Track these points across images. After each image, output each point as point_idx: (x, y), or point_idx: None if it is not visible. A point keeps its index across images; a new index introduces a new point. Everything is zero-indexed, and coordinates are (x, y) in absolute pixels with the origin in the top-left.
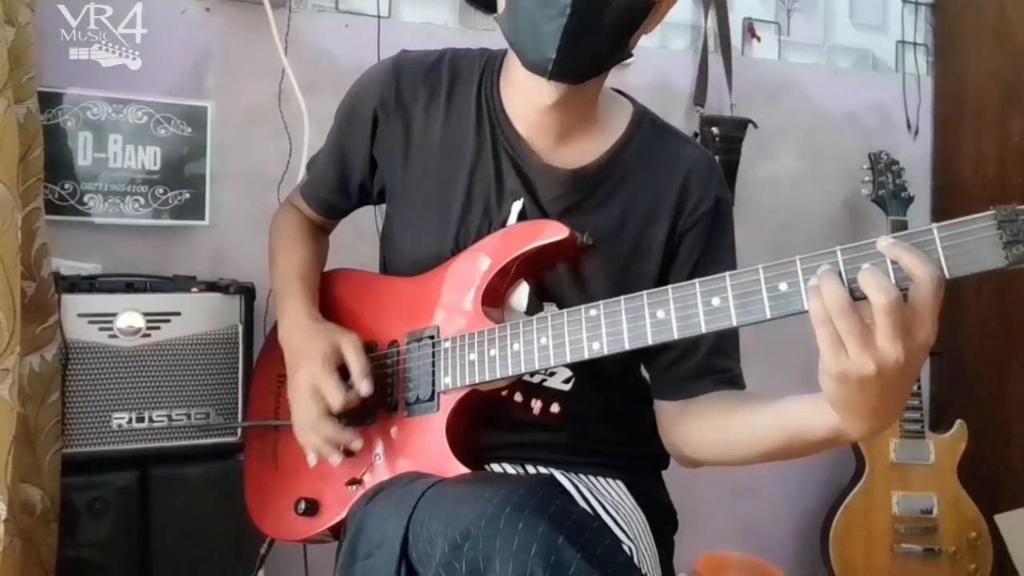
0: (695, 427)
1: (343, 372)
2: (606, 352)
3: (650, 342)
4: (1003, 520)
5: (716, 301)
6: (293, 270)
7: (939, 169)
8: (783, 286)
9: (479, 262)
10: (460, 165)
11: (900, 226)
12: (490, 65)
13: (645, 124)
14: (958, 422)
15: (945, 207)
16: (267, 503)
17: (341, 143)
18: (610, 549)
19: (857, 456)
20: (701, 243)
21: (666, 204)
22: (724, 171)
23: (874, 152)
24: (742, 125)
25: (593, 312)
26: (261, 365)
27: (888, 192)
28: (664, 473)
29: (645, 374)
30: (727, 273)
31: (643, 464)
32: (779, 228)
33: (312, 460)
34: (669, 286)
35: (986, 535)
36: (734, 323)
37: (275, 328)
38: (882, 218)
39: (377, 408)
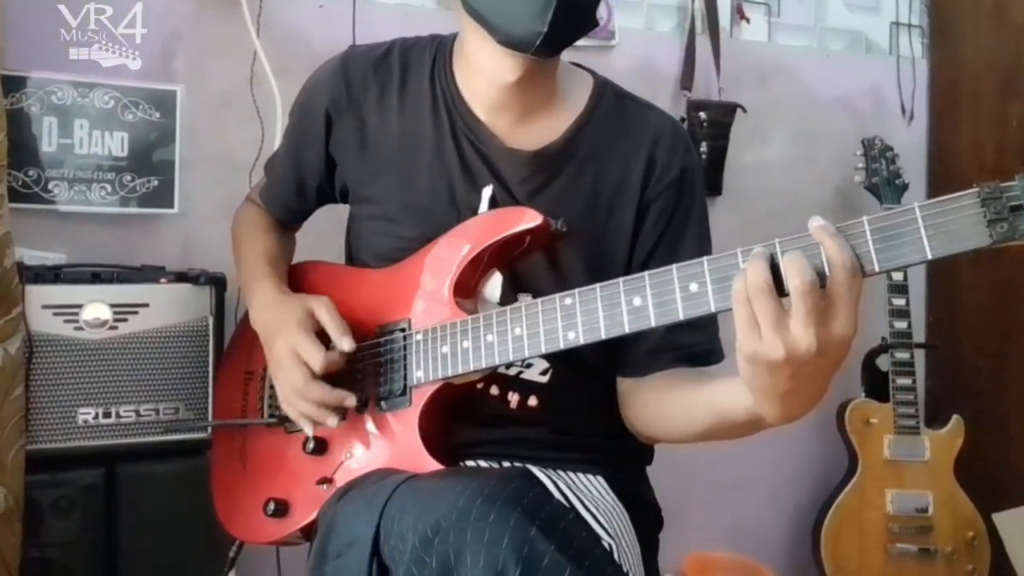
0: (645, 404)
1: (322, 337)
2: (582, 341)
3: (627, 330)
4: (1001, 519)
5: (694, 286)
6: (260, 256)
7: (935, 155)
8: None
9: (450, 252)
10: (420, 156)
11: None
12: (441, 50)
13: (607, 94)
14: (955, 417)
15: (941, 194)
16: (235, 505)
17: (296, 146)
18: (586, 542)
19: (850, 452)
20: (666, 217)
21: (634, 178)
22: (712, 158)
23: (867, 138)
24: (730, 110)
25: (568, 301)
26: (227, 360)
27: (882, 179)
28: (649, 469)
29: None
30: (704, 258)
31: (625, 459)
32: (769, 216)
33: (308, 430)
34: (646, 272)
35: (983, 535)
36: (712, 309)
37: (241, 322)
38: (876, 206)
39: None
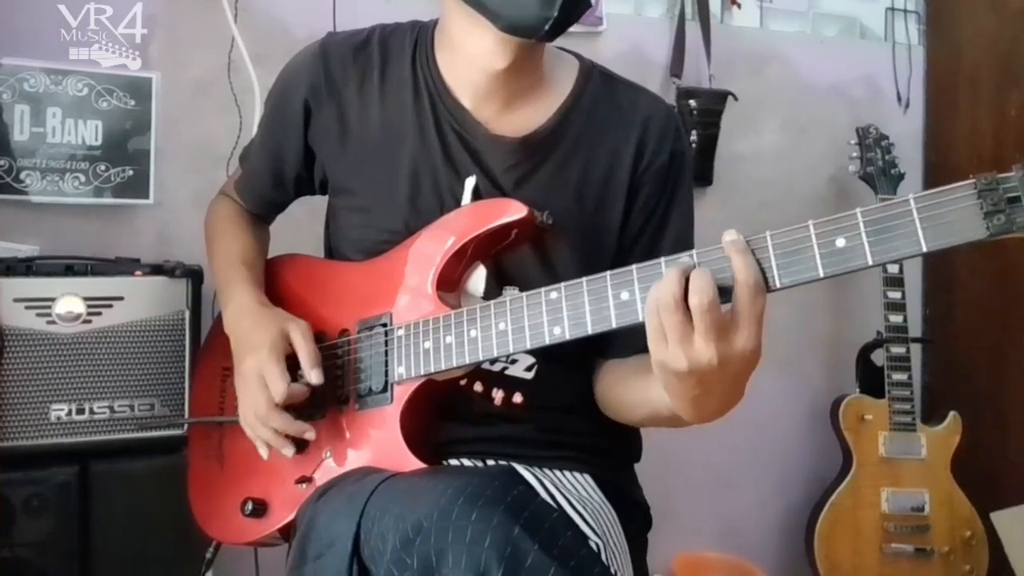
0: (603, 387)
1: (293, 361)
2: (568, 337)
3: (614, 325)
4: (1000, 518)
5: None
6: (236, 256)
7: (931, 145)
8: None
9: (432, 245)
10: (402, 146)
11: None
12: (422, 37)
13: (594, 78)
14: (952, 414)
15: (937, 185)
16: (212, 504)
17: (273, 136)
18: (572, 541)
19: (844, 449)
20: (653, 201)
21: (624, 164)
22: (702, 147)
23: (862, 126)
24: (721, 98)
25: (554, 295)
26: (204, 356)
27: (877, 169)
28: (636, 467)
29: None
30: (695, 250)
31: (613, 457)
32: (760, 207)
33: (264, 453)
34: (634, 266)
35: (981, 534)
36: None
37: (219, 318)
38: (870, 196)
39: (327, 401)
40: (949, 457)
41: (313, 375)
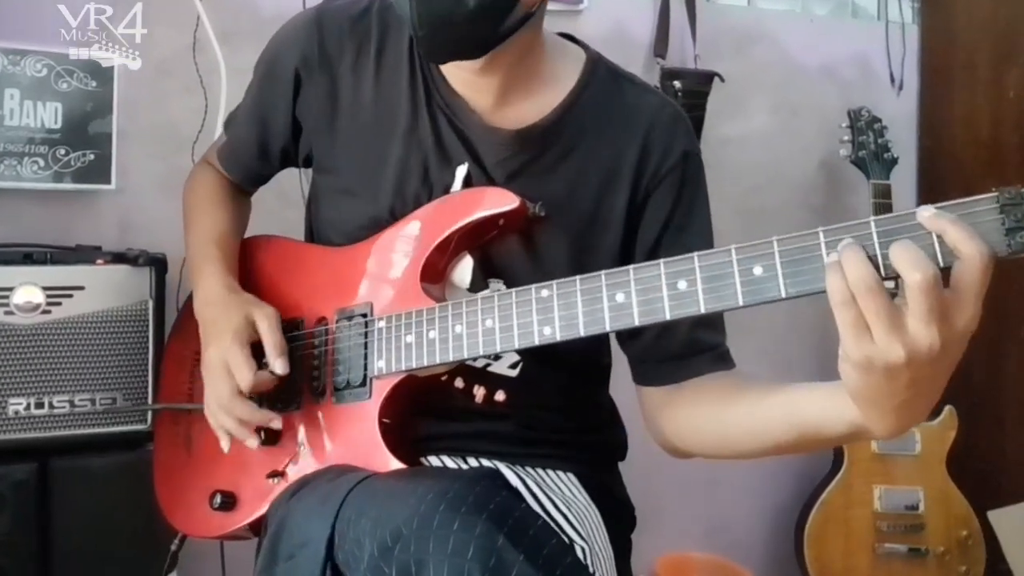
0: (688, 416)
1: (260, 350)
2: (559, 338)
3: (608, 328)
4: (997, 517)
5: (683, 284)
6: (210, 235)
7: (926, 128)
8: (757, 270)
9: (417, 233)
10: (394, 128)
11: (883, 190)
12: None
13: (600, 73)
14: (947, 408)
15: (932, 170)
16: (179, 495)
17: (260, 105)
18: (557, 550)
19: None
20: (669, 204)
21: (627, 163)
22: None
23: (854, 109)
24: (707, 79)
25: (545, 293)
26: (174, 340)
27: (869, 153)
28: (620, 465)
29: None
30: (695, 253)
31: (598, 455)
32: (748, 193)
33: (225, 445)
34: (631, 266)
35: (978, 534)
36: (702, 309)
37: (189, 299)
38: (862, 181)
39: (302, 393)
40: (944, 453)
41: (278, 365)
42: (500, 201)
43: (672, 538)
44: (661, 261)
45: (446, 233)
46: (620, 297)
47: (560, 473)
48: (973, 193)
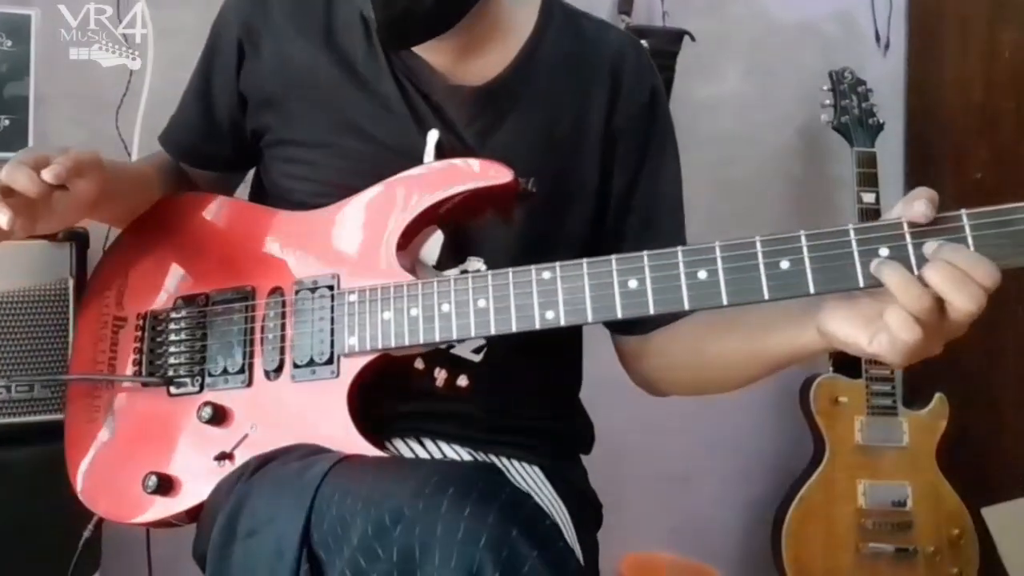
0: (662, 360)
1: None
2: (563, 323)
3: (619, 316)
4: (991, 514)
5: (703, 274)
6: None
7: (914, 91)
8: (784, 264)
9: (395, 200)
10: (352, 94)
11: (867, 159)
12: None
13: (556, 15)
14: (937, 396)
15: (921, 136)
16: (103, 478)
17: (205, 79)
18: (566, 552)
19: (815, 436)
20: (641, 144)
21: (597, 102)
22: None
23: (836, 70)
24: (676, 37)
25: (547, 275)
26: (89, 304)
27: (853, 118)
28: (584, 459)
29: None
30: (717, 242)
31: (563, 446)
32: (722, 162)
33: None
34: (645, 252)
35: (971, 532)
36: (724, 302)
37: (105, 256)
38: (845, 149)
39: (252, 369)
40: (934, 445)
41: (47, 173)
42: (492, 175)
43: (638, 536)
44: (679, 249)
45: (431, 203)
46: (633, 283)
47: (526, 465)
48: (964, 162)
